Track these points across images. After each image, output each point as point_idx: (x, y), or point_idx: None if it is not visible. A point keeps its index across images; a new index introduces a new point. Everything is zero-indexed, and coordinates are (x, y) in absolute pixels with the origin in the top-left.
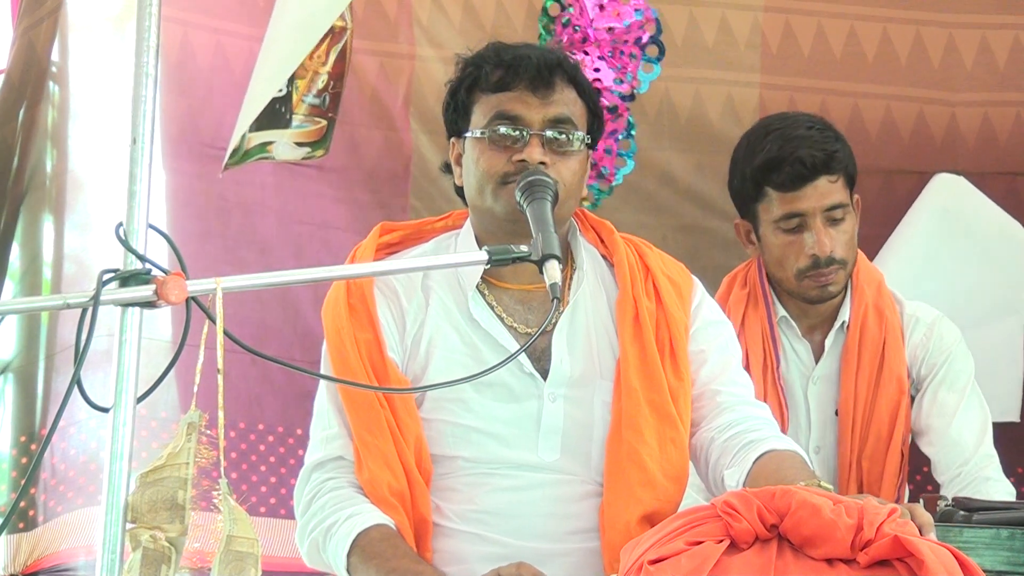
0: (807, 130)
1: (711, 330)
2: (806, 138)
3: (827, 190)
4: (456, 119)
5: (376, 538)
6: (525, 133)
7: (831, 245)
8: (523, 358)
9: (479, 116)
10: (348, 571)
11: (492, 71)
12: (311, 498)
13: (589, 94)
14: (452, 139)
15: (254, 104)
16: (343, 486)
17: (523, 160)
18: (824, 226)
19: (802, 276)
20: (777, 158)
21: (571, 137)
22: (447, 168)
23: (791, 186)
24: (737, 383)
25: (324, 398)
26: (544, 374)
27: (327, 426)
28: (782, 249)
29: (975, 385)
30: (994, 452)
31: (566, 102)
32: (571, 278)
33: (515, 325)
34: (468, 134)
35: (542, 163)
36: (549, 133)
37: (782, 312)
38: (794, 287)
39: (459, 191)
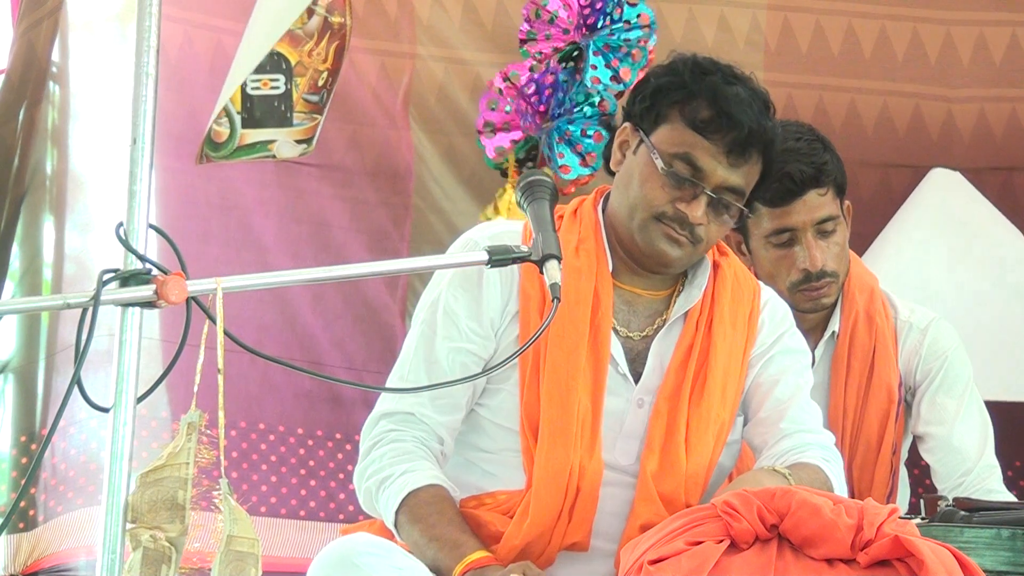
0: (795, 142)
1: (787, 358)
2: (794, 151)
3: (817, 203)
4: (643, 113)
5: (425, 500)
6: (700, 189)
7: (822, 259)
8: (620, 358)
9: (665, 137)
10: (395, 527)
11: (701, 107)
12: (372, 445)
13: (771, 161)
14: (626, 124)
15: (228, 92)
16: (405, 439)
17: (684, 212)
18: (815, 239)
19: (794, 290)
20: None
21: (736, 206)
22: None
23: (780, 201)
24: (804, 409)
25: (412, 347)
26: (637, 378)
27: (405, 377)
28: (773, 263)
29: (975, 391)
30: (996, 463)
31: (749, 174)
32: (680, 291)
33: (616, 327)
34: (646, 141)
35: (699, 224)
36: (720, 197)
37: None
38: (786, 299)
39: (610, 171)
